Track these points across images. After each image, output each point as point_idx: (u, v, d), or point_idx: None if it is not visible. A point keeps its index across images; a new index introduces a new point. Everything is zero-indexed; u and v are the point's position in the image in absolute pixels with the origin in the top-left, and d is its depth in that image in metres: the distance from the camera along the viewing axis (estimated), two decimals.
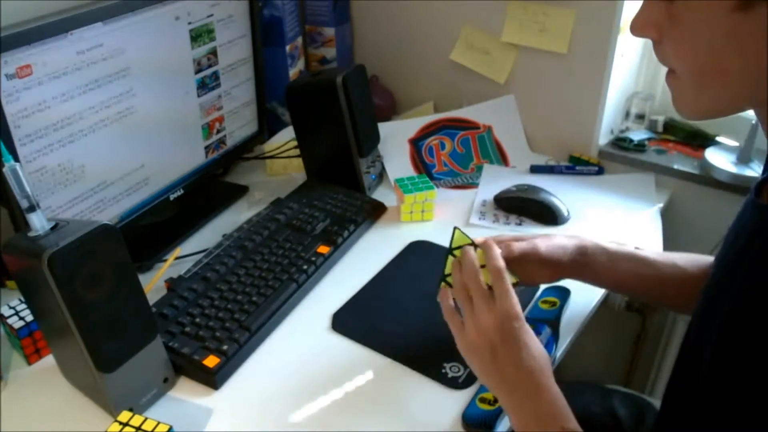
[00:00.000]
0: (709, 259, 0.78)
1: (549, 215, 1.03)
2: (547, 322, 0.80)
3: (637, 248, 0.80)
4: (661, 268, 0.78)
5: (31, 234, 0.63)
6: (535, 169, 1.18)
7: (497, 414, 0.69)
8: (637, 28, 0.56)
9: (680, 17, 0.52)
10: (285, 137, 1.24)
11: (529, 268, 0.75)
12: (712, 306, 0.58)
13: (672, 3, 0.52)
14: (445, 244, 0.98)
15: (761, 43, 0.48)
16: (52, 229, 0.63)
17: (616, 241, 0.80)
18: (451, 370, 0.76)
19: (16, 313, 0.78)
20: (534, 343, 0.63)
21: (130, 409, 0.69)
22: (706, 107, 0.56)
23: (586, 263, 0.77)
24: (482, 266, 0.67)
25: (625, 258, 0.78)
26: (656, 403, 0.97)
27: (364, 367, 0.78)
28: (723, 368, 0.53)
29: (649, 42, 0.56)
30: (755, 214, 0.57)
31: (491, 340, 0.64)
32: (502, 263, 0.66)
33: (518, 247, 0.75)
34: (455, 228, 0.72)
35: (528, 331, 0.64)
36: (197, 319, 0.80)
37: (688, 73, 0.54)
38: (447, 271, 0.71)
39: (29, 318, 0.77)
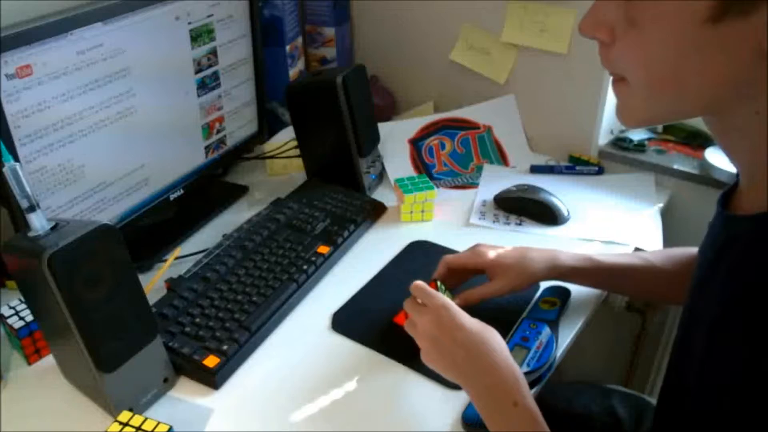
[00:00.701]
0: (684, 251, 0.81)
1: (549, 215, 1.03)
2: (547, 322, 0.80)
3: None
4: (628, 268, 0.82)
5: (31, 234, 0.63)
6: (535, 169, 1.18)
7: None
8: (587, 28, 0.53)
9: (640, 21, 0.49)
10: (285, 137, 1.24)
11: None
12: (694, 320, 0.58)
13: (631, 3, 0.49)
14: (446, 244, 0.98)
15: (726, 57, 0.46)
16: (52, 229, 0.63)
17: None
18: None
19: (16, 313, 0.78)
20: (471, 323, 0.66)
21: (130, 409, 0.69)
22: (654, 116, 0.55)
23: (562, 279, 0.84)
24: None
25: (597, 276, 0.83)
26: (656, 402, 0.97)
27: (364, 367, 0.78)
28: (710, 383, 0.53)
29: None
30: (723, 227, 0.57)
31: (432, 335, 0.67)
32: (419, 283, 0.72)
33: (479, 295, 0.81)
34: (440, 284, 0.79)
35: (462, 315, 0.67)
36: (197, 319, 0.80)
37: (640, 82, 0.51)
38: None
39: (29, 318, 0.77)
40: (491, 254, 0.82)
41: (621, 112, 0.56)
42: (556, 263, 0.81)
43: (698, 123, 1.19)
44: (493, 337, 0.66)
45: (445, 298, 0.69)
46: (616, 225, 1.03)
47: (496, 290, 0.80)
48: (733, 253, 0.52)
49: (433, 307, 0.68)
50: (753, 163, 0.53)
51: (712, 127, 0.54)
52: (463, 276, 0.84)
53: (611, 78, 0.55)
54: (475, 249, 0.84)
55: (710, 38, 0.46)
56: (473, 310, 0.70)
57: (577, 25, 0.54)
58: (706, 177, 1.09)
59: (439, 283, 0.78)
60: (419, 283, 0.72)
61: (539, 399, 0.74)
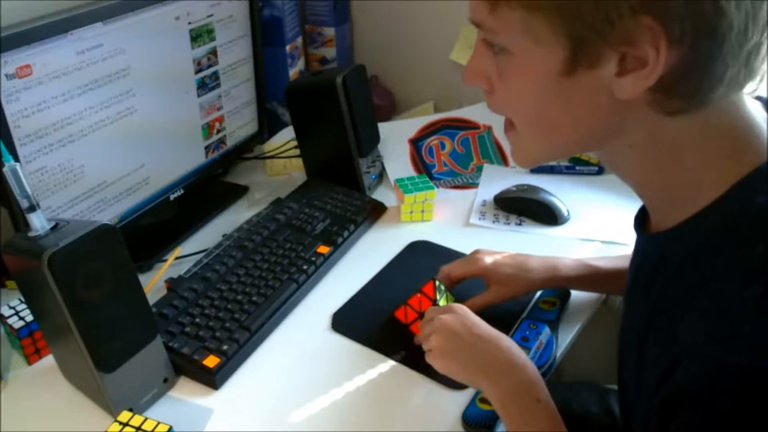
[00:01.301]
0: None
1: (549, 215, 1.03)
2: (547, 322, 0.80)
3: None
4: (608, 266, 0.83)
5: (31, 234, 0.63)
6: (535, 169, 1.18)
7: (497, 414, 0.69)
8: (468, 77, 0.56)
9: (507, 72, 0.52)
10: (285, 137, 1.24)
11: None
12: (625, 338, 0.60)
13: (498, 56, 0.52)
14: (446, 244, 0.98)
15: (586, 104, 0.50)
16: (52, 229, 0.63)
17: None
18: None
19: (16, 313, 0.78)
20: (487, 325, 0.69)
21: (130, 409, 0.69)
22: (540, 157, 0.58)
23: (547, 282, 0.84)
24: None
25: (592, 282, 0.84)
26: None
27: (364, 367, 0.78)
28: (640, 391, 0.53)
29: None
30: (639, 245, 0.60)
31: (453, 332, 0.69)
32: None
33: (474, 305, 0.80)
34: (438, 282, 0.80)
35: (479, 319, 0.70)
36: (197, 319, 0.80)
37: (521, 125, 0.55)
38: None
39: (29, 318, 0.77)
40: (489, 261, 0.83)
41: (513, 155, 0.59)
42: (555, 272, 0.82)
43: None
44: (508, 338, 0.68)
45: (461, 306, 0.72)
46: (616, 225, 1.03)
47: (494, 299, 0.81)
48: (645, 272, 0.56)
49: (453, 308, 0.71)
50: (645, 189, 0.56)
51: (601, 159, 0.59)
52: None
53: (504, 123, 0.58)
54: (473, 256, 0.85)
55: (568, 89, 0.49)
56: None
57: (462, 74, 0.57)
58: None
59: (437, 282, 0.78)
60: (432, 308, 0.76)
61: None
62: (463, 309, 0.71)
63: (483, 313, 0.72)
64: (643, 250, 0.59)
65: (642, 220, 0.61)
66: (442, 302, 0.79)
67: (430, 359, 0.71)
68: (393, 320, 0.82)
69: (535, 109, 0.53)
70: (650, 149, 0.51)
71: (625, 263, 0.81)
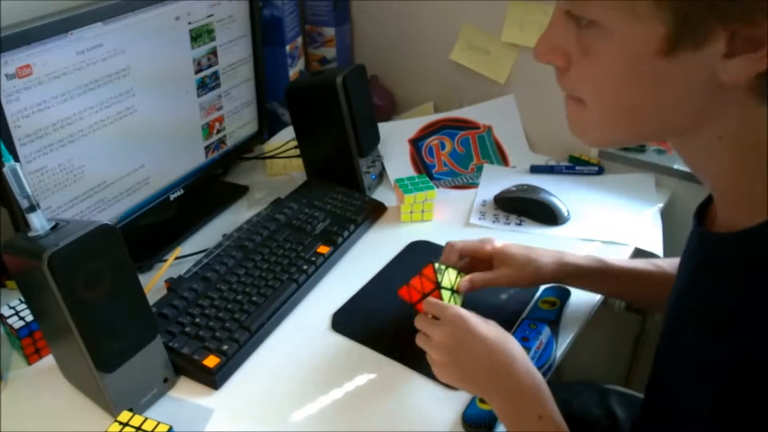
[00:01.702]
0: None
1: (549, 215, 1.03)
2: (547, 322, 0.80)
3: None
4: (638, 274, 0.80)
5: (31, 234, 0.63)
6: (535, 169, 1.18)
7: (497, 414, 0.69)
8: (541, 53, 0.52)
9: (593, 49, 0.48)
10: (285, 137, 1.24)
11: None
12: (675, 337, 0.58)
13: (583, 31, 0.48)
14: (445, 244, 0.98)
15: (680, 88, 0.46)
16: (52, 229, 0.63)
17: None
18: None
19: (16, 313, 0.78)
20: (488, 331, 0.66)
21: (130, 409, 0.69)
22: (611, 140, 0.54)
23: (564, 282, 0.82)
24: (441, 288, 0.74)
25: (603, 280, 0.81)
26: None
27: (364, 367, 0.78)
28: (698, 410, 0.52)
29: None
30: (700, 242, 0.56)
31: (449, 347, 0.67)
32: (430, 299, 0.72)
33: (481, 280, 0.78)
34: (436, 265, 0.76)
35: (479, 324, 0.66)
36: (197, 319, 0.80)
37: (596, 106, 0.51)
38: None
39: (29, 318, 0.77)
40: (499, 244, 0.81)
41: (578, 132, 0.55)
42: (563, 261, 0.80)
43: None
44: (512, 346, 0.65)
45: (459, 309, 0.68)
46: (616, 225, 1.03)
47: (499, 277, 0.78)
48: (712, 272, 0.53)
49: (448, 318, 0.67)
50: (722, 184, 0.53)
51: (677, 149, 0.54)
52: (466, 268, 0.83)
53: (564, 94, 0.55)
54: (483, 238, 0.83)
55: (663, 69, 0.45)
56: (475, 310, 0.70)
57: (533, 50, 0.54)
58: None
59: (436, 265, 0.75)
60: (430, 299, 0.72)
61: None
62: (459, 318, 0.67)
63: (483, 313, 0.71)
64: (708, 248, 0.55)
65: (701, 215, 0.58)
66: (445, 281, 0.74)
67: (435, 372, 0.69)
68: (398, 299, 0.82)
69: (619, 90, 0.48)
70: (741, 141, 0.47)
71: (639, 266, 0.79)
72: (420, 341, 0.71)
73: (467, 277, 0.77)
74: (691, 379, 0.53)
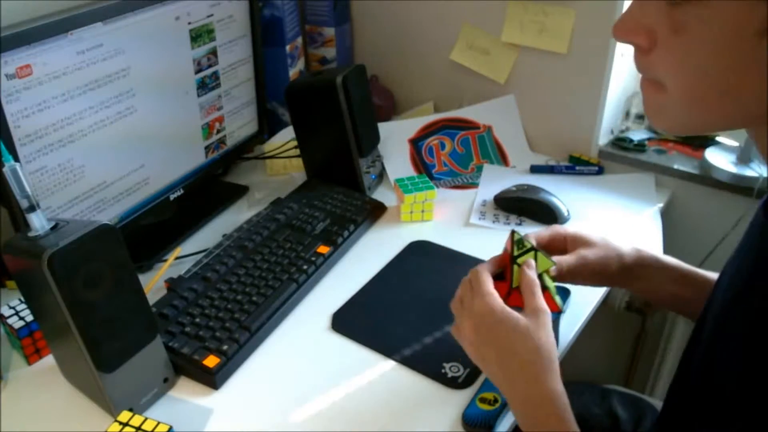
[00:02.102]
0: None
1: (549, 215, 1.03)
2: None
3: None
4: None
5: (31, 234, 0.63)
6: (535, 169, 1.18)
7: (497, 414, 0.69)
8: (623, 32, 0.49)
9: (688, 27, 0.45)
10: (285, 137, 1.24)
11: (576, 280, 0.75)
12: (727, 322, 0.55)
13: (676, 8, 0.45)
14: (446, 244, 0.98)
15: None
16: (52, 229, 0.63)
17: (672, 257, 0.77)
18: (451, 370, 0.76)
19: (16, 313, 0.78)
20: (515, 326, 0.62)
21: (130, 409, 0.69)
22: (693, 125, 0.51)
23: (637, 277, 0.75)
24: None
25: (680, 279, 0.76)
26: (656, 403, 0.97)
27: (364, 367, 0.78)
28: (750, 396, 0.50)
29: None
30: (765, 235, 0.53)
31: (472, 342, 0.65)
32: (478, 269, 0.68)
33: (567, 263, 0.73)
34: (517, 235, 0.71)
35: (507, 318, 0.63)
36: (197, 319, 0.80)
37: (680, 90, 0.48)
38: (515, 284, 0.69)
39: (29, 318, 0.77)
40: (571, 230, 0.77)
41: (655, 116, 0.52)
42: (638, 248, 0.76)
43: None
44: (540, 344, 0.62)
45: (489, 302, 0.64)
46: (616, 225, 1.03)
47: (575, 262, 0.73)
48: None
49: (473, 312, 0.65)
50: None
51: (757, 139, 0.51)
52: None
53: (641, 77, 0.52)
54: (553, 226, 0.79)
55: (758, 51, 0.43)
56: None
57: (612, 29, 0.51)
58: (706, 177, 1.09)
59: (516, 236, 0.70)
60: (478, 268, 0.68)
61: None
62: (488, 311, 0.64)
63: None
64: None
65: None
66: (521, 259, 0.69)
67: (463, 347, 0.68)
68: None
69: (709, 72, 0.45)
70: None
71: (704, 273, 0.76)
72: (454, 331, 0.69)
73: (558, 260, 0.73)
74: (746, 376, 0.50)
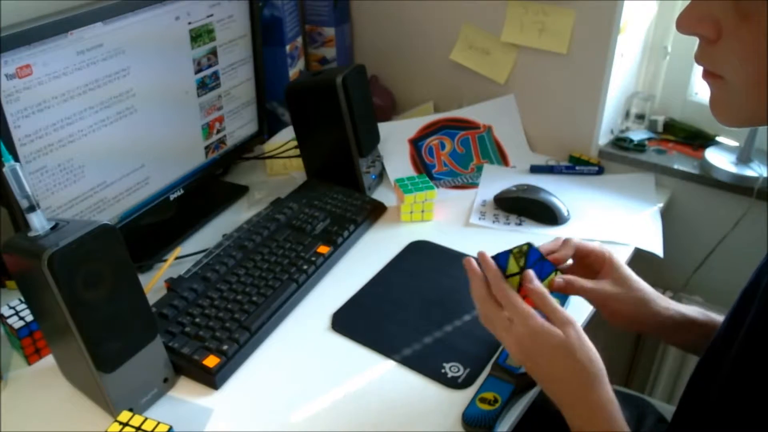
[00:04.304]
0: None
1: (549, 215, 1.03)
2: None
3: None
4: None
5: (31, 234, 0.63)
6: (535, 169, 1.18)
7: (497, 414, 0.69)
8: (687, 23, 0.49)
9: (755, 15, 0.45)
10: (285, 137, 1.24)
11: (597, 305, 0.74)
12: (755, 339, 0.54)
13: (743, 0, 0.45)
14: (446, 244, 0.98)
15: None
16: (52, 229, 0.63)
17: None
18: (450, 370, 0.76)
19: (16, 313, 0.78)
20: (557, 351, 0.62)
21: (130, 409, 0.69)
22: (754, 117, 0.50)
23: (649, 316, 0.73)
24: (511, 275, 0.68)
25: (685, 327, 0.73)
26: (656, 403, 0.97)
27: (364, 367, 0.78)
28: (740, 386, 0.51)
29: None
30: None
31: (517, 357, 0.64)
32: (501, 287, 0.66)
33: (598, 291, 0.72)
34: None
35: (548, 342, 0.62)
36: (197, 319, 0.80)
37: (743, 81, 0.48)
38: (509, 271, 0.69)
39: (29, 318, 0.77)
40: (615, 257, 0.74)
41: (718, 110, 0.51)
42: (675, 308, 0.72)
43: (698, 123, 1.19)
44: (580, 358, 0.61)
45: (531, 317, 0.63)
46: (616, 225, 1.03)
47: (599, 292, 0.71)
48: None
49: (518, 328, 0.63)
50: None
51: None
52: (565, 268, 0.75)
53: (702, 69, 0.51)
54: (600, 246, 0.75)
55: None
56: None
57: (675, 21, 0.50)
58: (706, 177, 1.09)
59: (515, 250, 0.69)
60: (501, 286, 0.66)
61: (539, 399, 0.75)
62: (529, 320, 0.63)
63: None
64: None
65: None
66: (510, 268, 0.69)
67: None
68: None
69: None
70: None
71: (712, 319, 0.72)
72: (485, 322, 0.68)
73: (567, 277, 0.71)
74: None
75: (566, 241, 0.74)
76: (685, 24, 0.49)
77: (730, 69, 0.48)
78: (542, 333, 0.63)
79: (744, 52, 0.46)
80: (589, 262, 0.74)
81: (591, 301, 0.73)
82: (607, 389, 0.61)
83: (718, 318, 0.73)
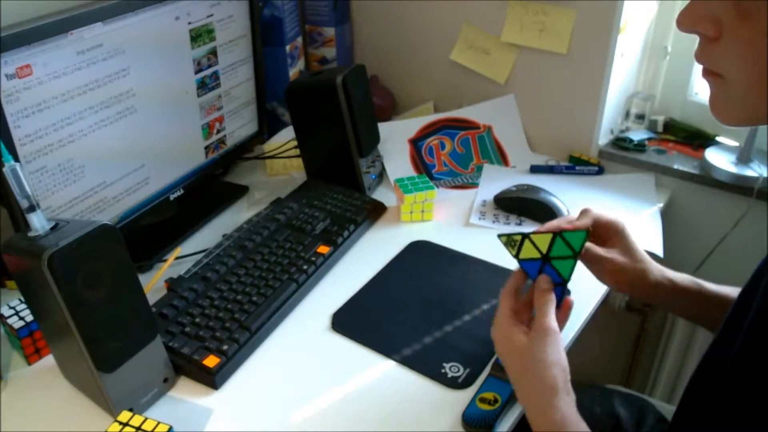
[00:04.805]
0: None
1: (549, 215, 1.03)
2: None
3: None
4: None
5: (31, 234, 0.63)
6: (535, 169, 1.18)
7: (497, 414, 0.69)
8: (689, 22, 0.49)
9: (755, 14, 0.45)
10: (285, 137, 1.24)
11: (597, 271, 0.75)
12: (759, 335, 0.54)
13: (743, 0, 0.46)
14: (446, 244, 0.98)
15: None
16: (52, 229, 0.63)
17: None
18: (451, 370, 0.76)
19: (16, 313, 0.78)
20: (524, 356, 0.63)
21: (130, 409, 0.69)
22: (754, 116, 0.50)
23: (646, 286, 0.74)
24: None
25: (688, 295, 0.75)
26: (656, 403, 0.97)
27: (364, 367, 0.78)
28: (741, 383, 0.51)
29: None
30: None
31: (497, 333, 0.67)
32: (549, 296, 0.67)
33: (603, 256, 0.73)
34: (503, 238, 0.71)
35: (516, 347, 0.64)
36: (197, 319, 0.80)
37: (743, 79, 0.48)
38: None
39: (29, 318, 0.77)
40: (621, 223, 0.75)
41: (717, 109, 0.52)
42: (665, 273, 0.75)
43: (698, 123, 1.19)
44: (544, 368, 0.62)
45: (505, 319, 0.67)
46: None
47: (608, 260, 0.72)
48: None
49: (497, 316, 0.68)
50: None
51: None
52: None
53: (702, 68, 0.52)
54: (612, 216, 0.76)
55: None
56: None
57: (675, 19, 0.51)
58: (706, 177, 1.09)
59: (502, 238, 0.70)
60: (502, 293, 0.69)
61: None
62: (501, 314, 0.67)
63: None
64: None
65: None
66: (523, 254, 0.70)
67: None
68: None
69: None
70: None
71: (727, 292, 0.74)
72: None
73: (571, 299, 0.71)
74: None
75: (585, 212, 0.75)
76: (685, 22, 0.49)
77: (729, 68, 0.49)
78: (508, 332, 0.66)
79: (744, 51, 0.47)
80: (600, 232, 0.75)
81: (597, 269, 0.74)
82: (565, 407, 0.60)
83: (711, 286, 0.75)
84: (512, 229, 1.03)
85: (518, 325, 0.66)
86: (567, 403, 0.60)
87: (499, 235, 0.72)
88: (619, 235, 0.74)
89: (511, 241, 0.70)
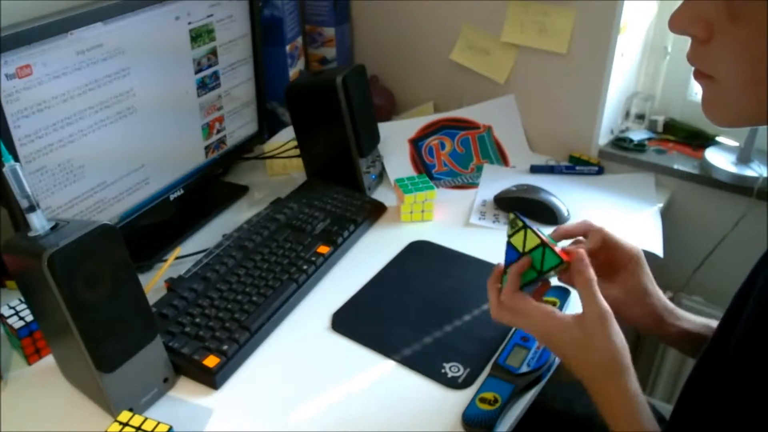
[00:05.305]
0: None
1: (549, 215, 1.03)
2: None
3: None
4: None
5: (31, 234, 0.63)
6: (535, 169, 1.18)
7: (497, 414, 0.69)
8: (681, 23, 0.49)
9: (745, 16, 0.46)
10: (285, 137, 1.24)
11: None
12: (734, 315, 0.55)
13: (734, 1, 0.46)
14: (445, 244, 0.98)
15: None
16: (52, 229, 0.63)
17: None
18: (451, 370, 0.76)
19: (16, 313, 0.78)
20: (579, 345, 0.63)
21: (130, 409, 0.69)
22: (746, 117, 0.50)
23: (650, 328, 0.74)
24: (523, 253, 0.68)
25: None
26: (656, 403, 0.97)
27: (364, 367, 0.78)
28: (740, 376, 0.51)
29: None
30: None
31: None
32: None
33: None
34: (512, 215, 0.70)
35: (569, 337, 0.64)
36: (197, 319, 0.80)
37: (734, 80, 0.48)
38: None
39: (29, 318, 0.77)
40: (637, 258, 0.72)
41: (709, 110, 0.52)
42: (677, 314, 0.73)
43: (698, 123, 1.19)
44: (601, 353, 0.64)
45: (548, 315, 0.65)
46: (616, 225, 1.03)
47: (607, 296, 0.66)
48: None
49: (534, 325, 0.66)
50: None
51: None
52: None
53: (693, 69, 0.52)
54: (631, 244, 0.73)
55: None
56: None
57: (667, 21, 0.51)
58: (706, 177, 1.09)
59: (511, 215, 0.68)
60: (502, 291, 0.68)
61: (539, 399, 0.75)
62: (547, 318, 0.64)
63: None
64: None
65: None
66: (515, 240, 0.68)
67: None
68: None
69: (762, 60, 0.45)
70: None
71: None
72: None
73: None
74: None
75: (596, 231, 0.71)
76: (677, 24, 0.49)
77: (721, 69, 0.49)
78: (564, 329, 0.64)
79: (735, 52, 0.47)
80: (612, 257, 0.71)
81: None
82: (628, 381, 0.62)
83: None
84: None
85: (544, 305, 0.65)
86: (633, 378, 0.64)
87: (511, 212, 0.70)
88: (633, 266, 0.71)
89: (513, 223, 0.69)
